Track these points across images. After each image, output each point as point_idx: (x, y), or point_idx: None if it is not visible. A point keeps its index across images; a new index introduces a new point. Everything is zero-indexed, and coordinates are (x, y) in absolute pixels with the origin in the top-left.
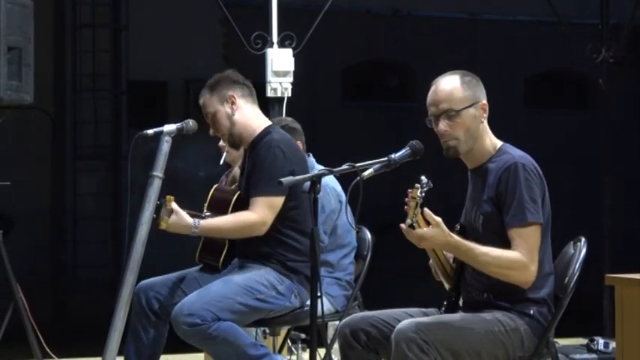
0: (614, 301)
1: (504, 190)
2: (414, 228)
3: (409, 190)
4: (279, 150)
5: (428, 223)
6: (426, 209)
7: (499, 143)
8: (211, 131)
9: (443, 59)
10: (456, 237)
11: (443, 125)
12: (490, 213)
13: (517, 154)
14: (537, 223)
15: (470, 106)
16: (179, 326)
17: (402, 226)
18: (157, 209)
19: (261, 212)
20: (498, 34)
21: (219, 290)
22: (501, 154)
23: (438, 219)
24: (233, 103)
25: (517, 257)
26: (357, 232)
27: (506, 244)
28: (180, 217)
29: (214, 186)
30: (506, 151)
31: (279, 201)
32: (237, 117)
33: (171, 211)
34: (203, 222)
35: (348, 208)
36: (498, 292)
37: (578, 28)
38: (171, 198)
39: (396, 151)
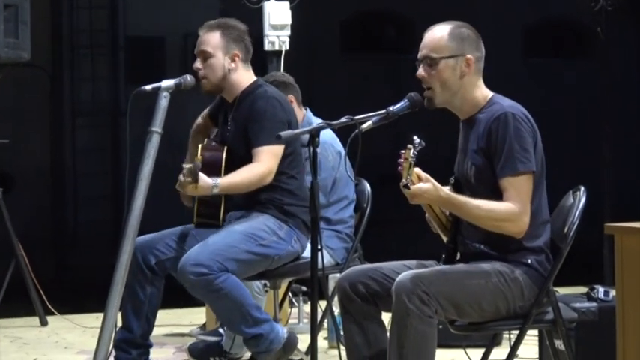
0: (614, 250)
1: (495, 141)
2: (408, 188)
3: (402, 151)
4: (275, 101)
5: (420, 180)
6: (415, 168)
7: (490, 94)
8: (196, 65)
9: (441, 10)
10: (447, 192)
11: (421, 70)
12: (481, 164)
13: (507, 103)
14: (529, 172)
15: (450, 57)
16: (186, 276)
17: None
18: (193, 173)
19: (267, 162)
20: None
21: (223, 240)
22: (491, 104)
23: (427, 175)
24: (234, 61)
25: (509, 208)
26: (357, 185)
27: (498, 194)
28: (203, 179)
29: (200, 145)
30: (495, 102)
31: (281, 149)
32: (231, 75)
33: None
34: (221, 180)
35: (347, 160)
36: (494, 244)
37: None
38: (200, 158)
39: (395, 104)
